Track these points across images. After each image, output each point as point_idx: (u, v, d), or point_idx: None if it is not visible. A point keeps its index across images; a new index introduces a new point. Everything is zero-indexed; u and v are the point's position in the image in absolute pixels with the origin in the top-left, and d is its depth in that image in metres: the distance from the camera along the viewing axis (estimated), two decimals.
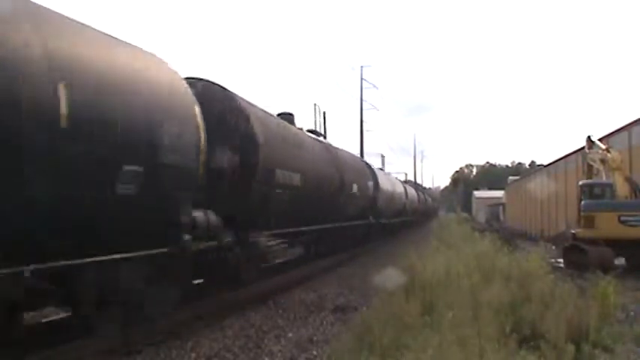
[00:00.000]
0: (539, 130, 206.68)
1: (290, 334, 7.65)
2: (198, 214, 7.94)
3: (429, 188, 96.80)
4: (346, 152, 20.06)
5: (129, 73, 6.69)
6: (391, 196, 26.63)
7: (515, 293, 7.45)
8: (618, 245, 14.69)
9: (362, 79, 41.85)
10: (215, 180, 8.56)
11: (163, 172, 6.89)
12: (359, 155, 32.90)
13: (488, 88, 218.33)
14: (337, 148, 18.20)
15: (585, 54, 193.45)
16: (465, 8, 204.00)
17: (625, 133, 22.39)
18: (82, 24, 6.34)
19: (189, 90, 8.13)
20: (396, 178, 37.68)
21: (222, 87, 9.94)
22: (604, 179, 16.70)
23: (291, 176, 11.60)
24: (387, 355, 4.84)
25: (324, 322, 8.49)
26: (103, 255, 5.94)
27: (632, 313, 8.79)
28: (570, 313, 6.52)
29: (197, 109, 7.93)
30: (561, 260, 16.92)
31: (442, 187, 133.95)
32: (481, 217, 78.05)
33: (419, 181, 77.89)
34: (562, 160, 32.70)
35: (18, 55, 4.96)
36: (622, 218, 15.08)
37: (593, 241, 14.98)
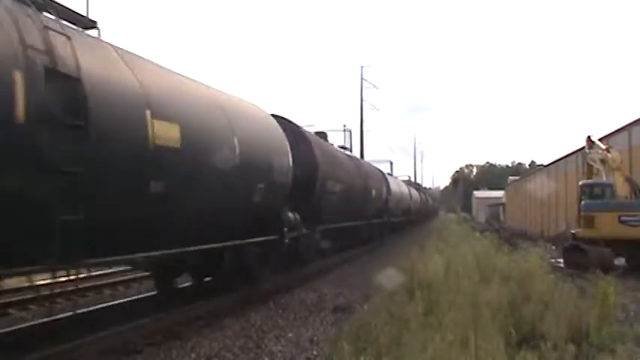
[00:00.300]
0: (539, 130, 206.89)
1: (290, 334, 7.65)
2: (290, 214, 11.54)
3: (429, 188, 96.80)
4: (366, 162, 24.08)
5: (258, 123, 10.44)
6: (399, 199, 29.89)
7: (515, 293, 7.45)
8: (618, 245, 14.70)
9: (362, 79, 41.94)
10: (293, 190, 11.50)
11: (274, 187, 10.14)
12: (359, 155, 33.28)
13: (487, 88, 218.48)
14: (359, 159, 22.31)
15: (585, 54, 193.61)
16: (465, 8, 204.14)
17: (625, 133, 22.41)
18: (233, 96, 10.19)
19: (280, 128, 11.41)
20: (402, 180, 39.71)
21: (291, 121, 13.30)
22: (604, 179, 16.71)
23: (335, 185, 15.08)
24: (385, 355, 4.83)
25: (324, 322, 8.49)
26: (242, 239, 9.34)
27: (632, 313, 8.79)
28: (570, 313, 6.52)
29: (287, 142, 11.24)
30: (561, 260, 16.93)
31: (442, 187, 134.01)
32: (481, 217, 78.09)
33: (419, 181, 77.96)
34: (562, 160, 32.74)
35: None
36: (622, 218, 15.08)
37: (593, 241, 14.98)
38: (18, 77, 4.89)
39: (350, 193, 16.71)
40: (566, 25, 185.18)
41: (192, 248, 7.85)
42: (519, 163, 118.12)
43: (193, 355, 6.54)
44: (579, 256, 15.35)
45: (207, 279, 10.54)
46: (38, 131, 4.92)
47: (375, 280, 9.71)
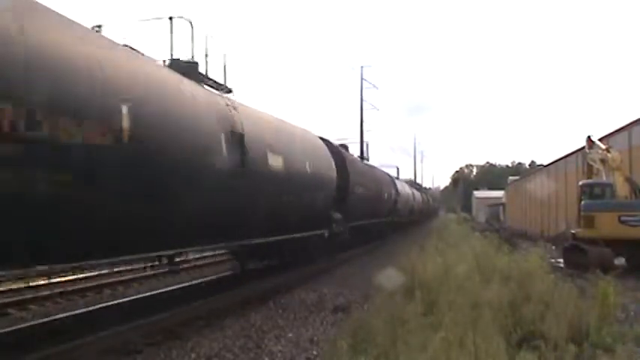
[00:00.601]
0: (539, 130, 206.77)
1: (290, 334, 7.65)
2: (335, 214, 15.20)
3: (429, 188, 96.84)
4: (379, 169, 27.71)
5: (316, 148, 14.33)
6: (405, 200, 33.73)
7: (515, 293, 7.45)
8: (618, 245, 14.69)
9: (362, 79, 41.96)
10: None
11: (326, 195, 14.10)
12: (359, 155, 33.45)
13: (487, 88, 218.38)
14: (374, 166, 26.06)
15: (585, 54, 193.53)
16: (465, 8, 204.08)
17: (625, 133, 22.41)
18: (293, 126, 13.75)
19: (327, 149, 15.28)
20: (405, 182, 42.02)
21: (329, 141, 16.78)
22: (604, 179, 16.70)
23: (360, 189, 18.43)
24: (384, 355, 4.83)
25: (324, 322, 8.49)
26: (302, 232, 12.70)
27: (632, 313, 8.79)
28: (570, 313, 6.52)
29: (332, 160, 15.11)
30: (561, 260, 16.93)
31: (442, 187, 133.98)
32: (481, 217, 78.09)
33: (419, 181, 78.07)
34: (562, 160, 32.73)
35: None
36: (622, 218, 15.08)
37: (593, 241, 14.98)
38: (222, 137, 8.55)
39: (369, 196, 20.17)
40: (566, 25, 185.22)
41: (285, 237, 11.72)
42: (519, 163, 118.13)
43: (193, 355, 6.54)
44: (579, 256, 15.35)
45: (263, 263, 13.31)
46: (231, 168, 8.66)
47: (375, 280, 9.70)
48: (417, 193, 45.06)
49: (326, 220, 14.61)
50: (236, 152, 8.90)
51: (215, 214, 8.37)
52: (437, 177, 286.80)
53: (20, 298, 9.97)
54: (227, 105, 9.28)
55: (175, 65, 8.64)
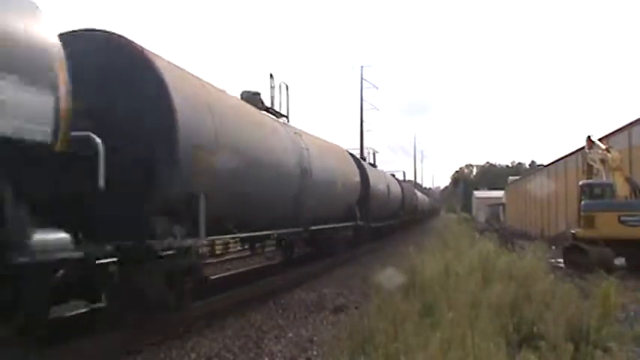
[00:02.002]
0: (539, 130, 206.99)
1: (290, 334, 7.65)
2: (358, 211, 18.04)
3: (429, 188, 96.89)
4: (388, 174, 30.68)
5: (345, 161, 17.68)
6: (410, 200, 37.04)
7: (515, 293, 7.44)
8: (618, 245, 14.69)
9: (362, 79, 42.07)
10: None
11: (352, 196, 17.37)
12: (359, 154, 33.55)
13: (487, 88, 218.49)
14: (384, 172, 29.08)
15: (585, 54, 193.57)
16: (465, 8, 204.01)
17: (625, 133, 22.41)
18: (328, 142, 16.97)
19: (352, 160, 18.93)
20: (409, 182, 44.20)
21: (352, 154, 20.60)
22: (604, 179, 16.69)
23: (378, 192, 22.11)
24: (383, 356, 4.83)
25: (324, 322, 8.49)
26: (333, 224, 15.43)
27: (632, 313, 8.79)
28: (570, 313, 6.52)
29: (357, 169, 18.54)
30: (561, 260, 16.92)
31: (442, 187, 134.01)
32: (481, 217, 78.05)
33: (419, 181, 78.17)
34: (562, 160, 32.72)
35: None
36: (622, 218, 15.08)
37: (593, 241, 14.98)
38: (295, 157, 11.95)
39: (381, 197, 23.13)
40: (567, 25, 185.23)
41: (330, 225, 15.16)
42: (519, 163, 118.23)
43: (193, 355, 6.54)
44: (579, 256, 15.35)
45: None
46: (300, 178, 12.08)
47: (375, 281, 9.70)
48: (420, 195, 46.42)
49: (352, 216, 17.72)
50: (303, 166, 12.23)
51: (288, 207, 11.64)
52: (437, 177, 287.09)
53: None
54: (295, 133, 12.82)
55: (245, 96, 11.61)
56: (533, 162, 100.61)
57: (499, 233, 29.41)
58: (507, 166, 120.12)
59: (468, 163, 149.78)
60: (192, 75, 8.37)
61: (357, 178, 18.25)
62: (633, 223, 14.90)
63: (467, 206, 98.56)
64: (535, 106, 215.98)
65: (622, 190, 15.80)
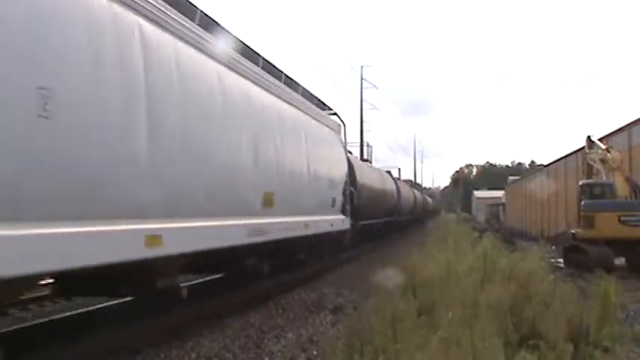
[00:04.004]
0: (539, 130, 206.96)
1: (290, 334, 7.65)
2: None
3: (429, 188, 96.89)
4: (400, 180, 33.57)
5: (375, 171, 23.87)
6: (418, 202, 40.11)
7: (515, 293, 7.44)
8: (618, 245, 14.70)
9: (362, 79, 41.99)
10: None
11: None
12: (358, 155, 33.73)
13: (488, 87, 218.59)
14: (397, 178, 32.16)
15: (585, 54, 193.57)
16: (465, 8, 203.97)
17: (625, 133, 22.43)
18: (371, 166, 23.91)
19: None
20: (405, 182, 44.27)
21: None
22: (604, 179, 16.70)
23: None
24: (381, 355, 4.82)
25: (324, 322, 8.48)
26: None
27: (632, 313, 8.79)
28: (570, 313, 6.51)
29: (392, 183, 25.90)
30: (561, 260, 16.93)
31: (442, 187, 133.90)
32: (481, 217, 78.08)
33: (419, 181, 78.28)
34: (562, 160, 32.73)
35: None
36: (622, 218, 15.09)
37: (593, 241, 14.99)
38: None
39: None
40: (567, 25, 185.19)
41: None
42: (519, 163, 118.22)
43: (193, 355, 6.54)
44: (579, 256, 15.37)
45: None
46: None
47: (375, 280, 9.70)
48: (418, 194, 46.30)
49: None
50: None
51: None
52: (437, 177, 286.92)
53: (20, 298, 9.95)
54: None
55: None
56: (533, 162, 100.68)
57: (499, 233, 29.40)
58: (507, 166, 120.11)
59: (468, 163, 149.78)
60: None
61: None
62: (633, 223, 14.91)
63: (467, 206, 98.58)
64: (535, 106, 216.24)
65: (622, 190, 15.82)
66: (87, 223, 4.59)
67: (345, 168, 14.38)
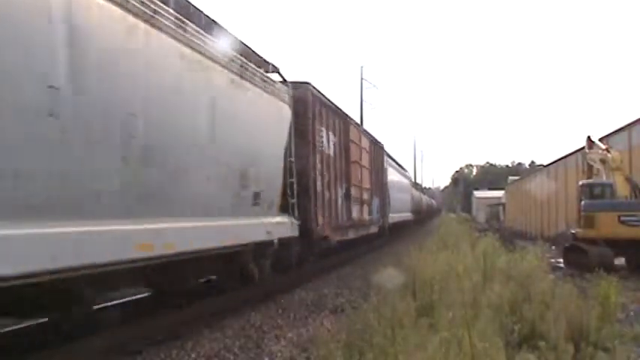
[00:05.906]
0: (539, 130, 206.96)
1: (290, 334, 7.64)
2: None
3: (430, 188, 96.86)
4: (418, 186, 37.39)
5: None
6: (423, 202, 43.37)
7: (515, 293, 7.44)
8: (618, 245, 14.69)
9: (362, 79, 41.98)
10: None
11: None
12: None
13: (487, 88, 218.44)
14: (416, 184, 37.46)
15: (585, 53, 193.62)
16: (465, 8, 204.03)
17: (625, 133, 22.38)
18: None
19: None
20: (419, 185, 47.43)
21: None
22: (604, 179, 16.69)
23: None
24: (381, 356, 4.82)
25: (324, 323, 8.47)
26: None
27: (632, 313, 8.79)
28: (570, 313, 6.51)
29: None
30: (561, 260, 16.93)
31: (442, 187, 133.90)
32: (481, 217, 78.06)
33: (419, 181, 78.32)
34: (562, 160, 32.69)
35: None
36: (622, 218, 15.07)
37: (593, 241, 14.98)
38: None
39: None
40: (567, 24, 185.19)
41: None
42: (519, 163, 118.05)
43: (193, 355, 6.54)
44: (579, 256, 15.35)
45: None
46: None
47: (375, 281, 9.70)
48: (427, 197, 49.82)
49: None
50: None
51: None
52: (437, 177, 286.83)
53: None
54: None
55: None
56: (533, 162, 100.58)
57: (499, 233, 29.41)
58: (507, 166, 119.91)
59: (468, 163, 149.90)
60: None
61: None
62: (633, 223, 14.90)
63: (467, 206, 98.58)
64: (535, 106, 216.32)
65: (622, 190, 15.80)
66: None
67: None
